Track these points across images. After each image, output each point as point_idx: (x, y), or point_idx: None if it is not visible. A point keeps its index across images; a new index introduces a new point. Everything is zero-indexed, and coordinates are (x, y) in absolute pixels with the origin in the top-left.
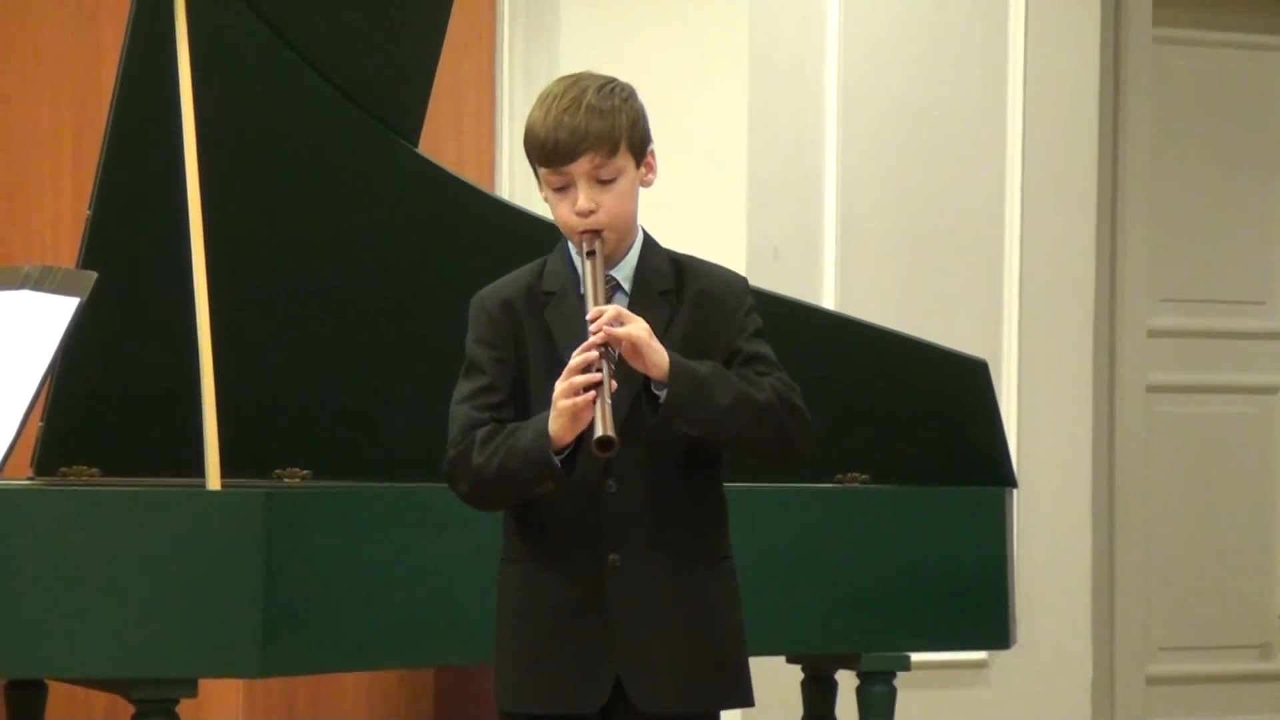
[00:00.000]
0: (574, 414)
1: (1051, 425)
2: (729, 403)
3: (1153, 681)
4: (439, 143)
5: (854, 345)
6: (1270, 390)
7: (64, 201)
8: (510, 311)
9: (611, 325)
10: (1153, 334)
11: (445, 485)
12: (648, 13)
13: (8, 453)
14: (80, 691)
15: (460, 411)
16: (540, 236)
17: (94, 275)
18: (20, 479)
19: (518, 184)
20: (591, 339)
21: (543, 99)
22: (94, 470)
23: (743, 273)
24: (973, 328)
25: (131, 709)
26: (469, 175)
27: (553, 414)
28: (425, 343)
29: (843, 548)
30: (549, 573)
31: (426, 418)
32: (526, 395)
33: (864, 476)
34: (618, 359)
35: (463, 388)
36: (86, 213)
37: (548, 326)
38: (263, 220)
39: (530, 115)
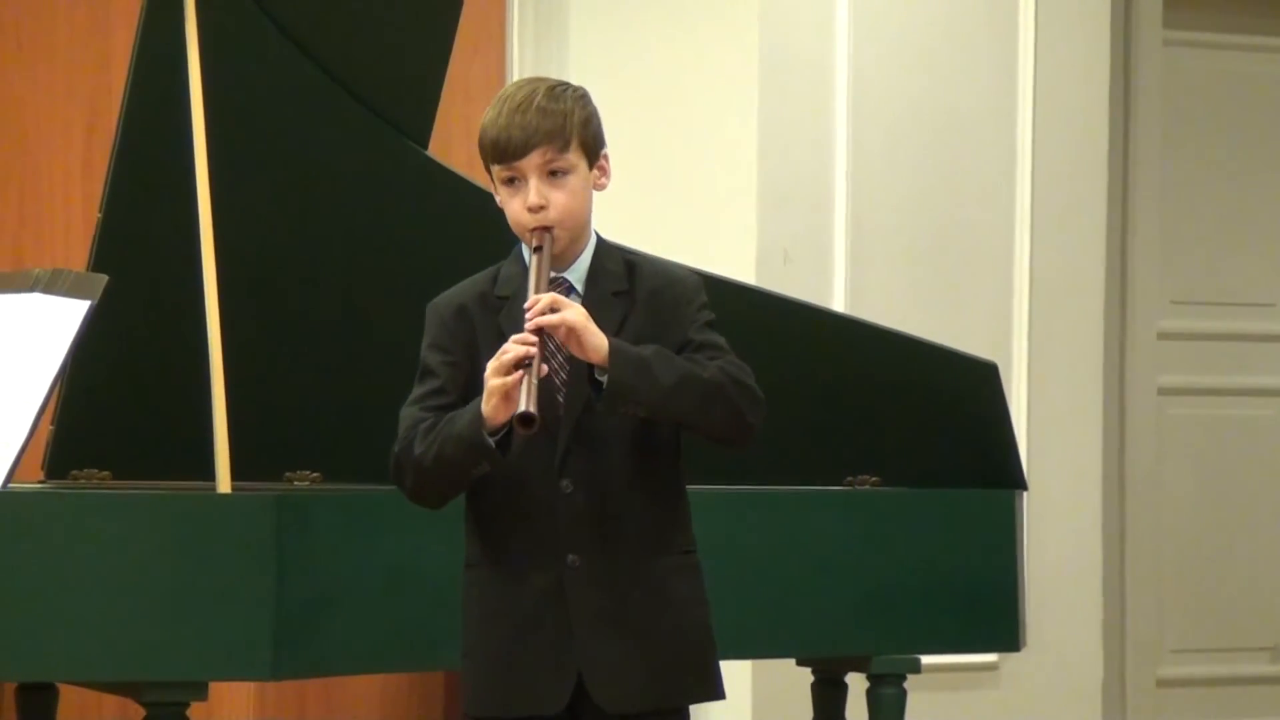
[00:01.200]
0: (504, 393)
1: (1062, 428)
2: (673, 381)
3: (1163, 684)
4: (449, 145)
5: (864, 348)
6: None
7: (75, 204)
8: (464, 317)
9: (546, 306)
10: (1163, 336)
11: None
12: (658, 15)
13: (19, 456)
14: (91, 694)
15: (408, 413)
16: None
17: (104, 278)
18: (31, 482)
19: None
20: (527, 326)
21: (496, 100)
22: (105, 473)
23: (753, 276)
24: (983, 330)
25: (142, 712)
26: (479, 178)
27: (484, 394)
28: None
29: (853, 550)
30: (509, 576)
31: None
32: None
33: (874, 479)
34: (561, 350)
35: (414, 392)
36: (97, 216)
37: (501, 330)
38: (272, 223)
39: (484, 116)
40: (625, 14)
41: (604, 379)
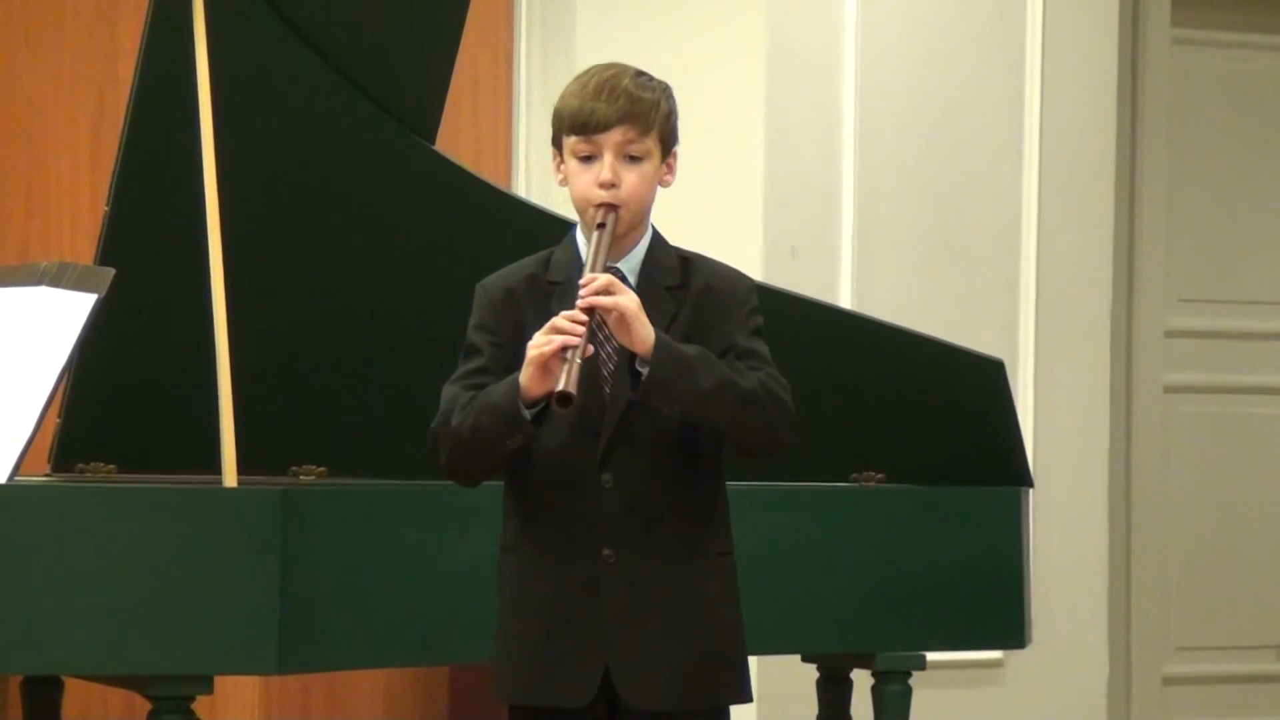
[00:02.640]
0: (542, 364)
1: (1068, 425)
2: (711, 386)
3: (1169, 682)
4: (456, 140)
5: (870, 344)
6: None
7: (82, 198)
8: (512, 299)
9: (601, 288)
10: (1170, 334)
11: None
12: (665, 11)
13: (25, 449)
14: (96, 688)
15: (449, 391)
16: (557, 234)
17: (111, 272)
18: (38, 475)
19: (535, 182)
20: (580, 304)
21: (579, 77)
22: (111, 467)
23: (760, 272)
24: (989, 327)
25: (148, 706)
26: (486, 173)
27: (524, 364)
28: (441, 340)
29: (858, 547)
30: (544, 565)
31: None
32: None
33: (880, 475)
34: (611, 339)
35: (457, 370)
36: (104, 209)
37: (551, 316)
38: (279, 217)
39: (564, 91)
40: (632, 8)
41: (644, 370)
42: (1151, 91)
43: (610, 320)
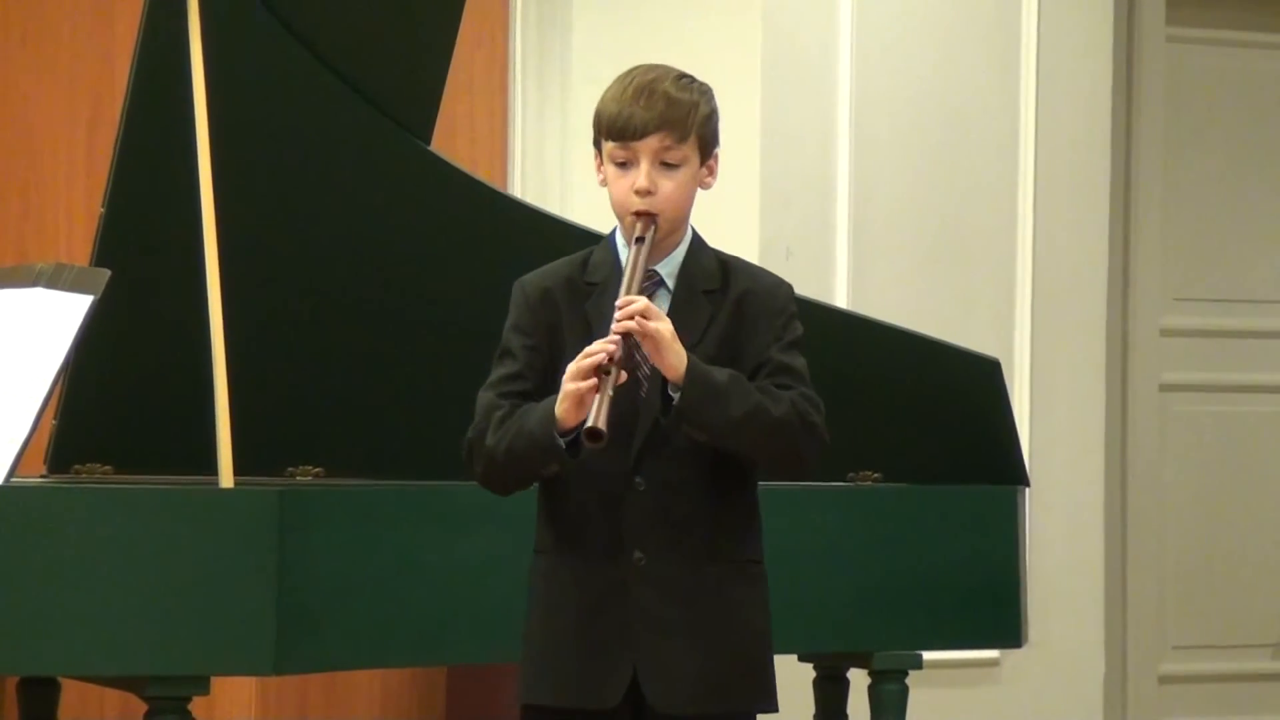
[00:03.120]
0: (577, 398)
1: (1064, 424)
2: (742, 415)
3: (1165, 680)
4: (452, 141)
5: (866, 344)
6: None
7: (77, 198)
8: (549, 300)
9: (636, 312)
10: (1166, 333)
11: (458, 483)
12: (661, 8)
13: (21, 450)
14: (93, 689)
15: (484, 397)
16: (553, 235)
17: (107, 273)
18: (34, 476)
19: (530, 182)
20: (613, 330)
21: (620, 78)
22: (107, 468)
23: None
24: (985, 326)
25: (144, 706)
26: (481, 174)
27: (559, 395)
28: (437, 340)
29: (855, 546)
30: (574, 567)
31: (439, 415)
32: (559, 385)
33: (876, 475)
34: (636, 354)
35: (493, 374)
36: (100, 210)
37: (587, 318)
38: (275, 217)
39: (604, 93)
40: (628, 8)
41: (676, 395)
42: (1147, 90)
43: (645, 345)
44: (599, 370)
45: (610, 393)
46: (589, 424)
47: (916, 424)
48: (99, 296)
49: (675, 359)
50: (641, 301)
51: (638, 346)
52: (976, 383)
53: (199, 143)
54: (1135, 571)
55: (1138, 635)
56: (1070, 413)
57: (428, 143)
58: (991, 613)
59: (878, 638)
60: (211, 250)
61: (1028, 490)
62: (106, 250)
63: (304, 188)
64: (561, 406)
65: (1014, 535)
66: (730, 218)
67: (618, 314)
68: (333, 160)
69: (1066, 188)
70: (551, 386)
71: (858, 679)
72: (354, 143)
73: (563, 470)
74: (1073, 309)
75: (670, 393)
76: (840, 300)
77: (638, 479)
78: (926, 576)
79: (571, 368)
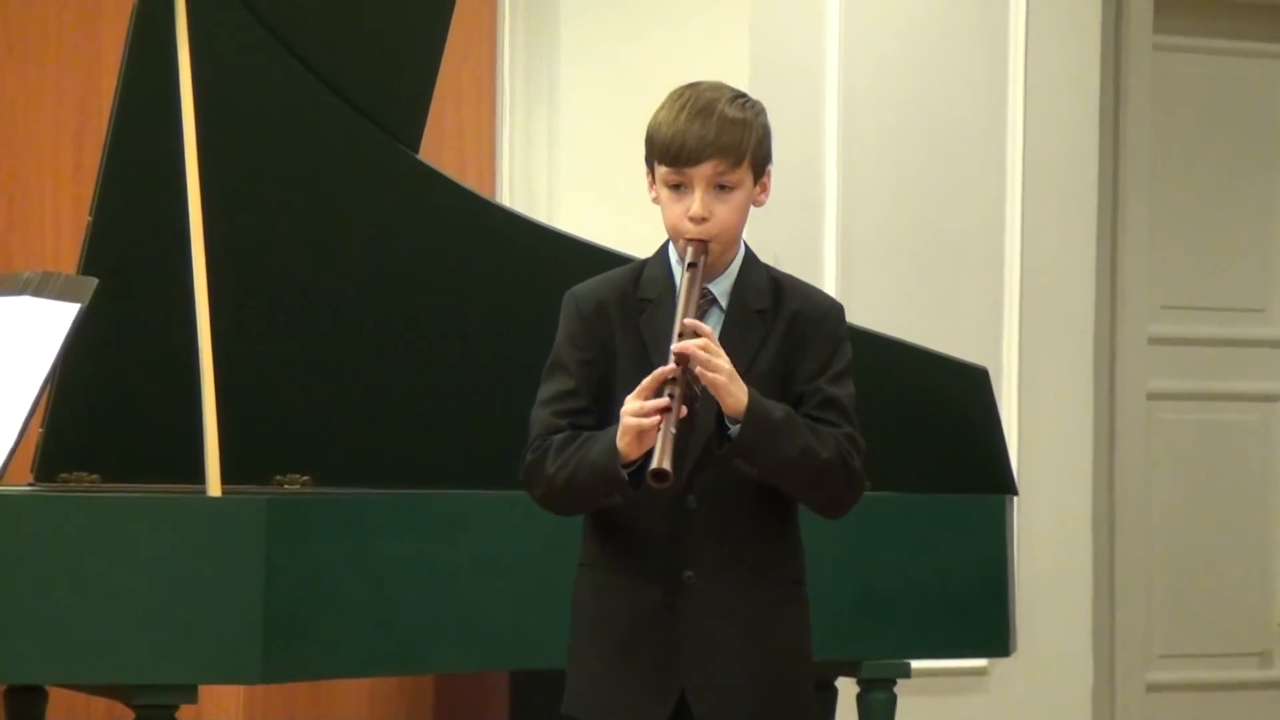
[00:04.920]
0: (639, 433)
1: (1052, 432)
2: (794, 455)
3: (1153, 689)
4: (439, 149)
5: (854, 353)
6: (1270, 398)
7: (64, 207)
8: (603, 314)
9: (698, 351)
10: (1153, 341)
11: (447, 491)
12: (648, 20)
13: (8, 459)
14: (80, 697)
15: (540, 416)
16: (540, 243)
17: (94, 281)
18: (20, 485)
19: (518, 190)
20: (673, 352)
21: (674, 98)
22: (94, 476)
23: None
24: (973, 335)
25: (131, 715)
26: (469, 181)
27: (620, 430)
28: (426, 348)
29: (843, 555)
30: (623, 583)
31: (427, 423)
32: (611, 400)
33: (864, 484)
34: (690, 378)
35: (545, 389)
36: (87, 219)
37: (640, 335)
38: (263, 226)
39: (657, 113)
40: (617, 20)
41: (733, 429)
42: (1134, 99)
43: (704, 381)
44: (659, 409)
45: (674, 430)
46: (655, 465)
47: (904, 433)
48: (86, 305)
49: (735, 398)
50: (701, 340)
51: (695, 378)
52: (964, 391)
53: (186, 151)
54: (1123, 580)
55: (1125, 643)
56: (1058, 421)
57: (416, 151)
58: (979, 621)
59: (866, 646)
60: (199, 259)
61: (1015, 499)
62: (94, 259)
63: (292, 196)
64: (623, 441)
65: (1002, 544)
66: None
67: (674, 345)
68: (321, 168)
69: (1054, 196)
70: (604, 401)
71: (846, 687)
72: (342, 151)
73: (625, 500)
74: (1060, 317)
75: (728, 424)
76: None
77: (690, 497)
78: (914, 585)
79: (632, 402)
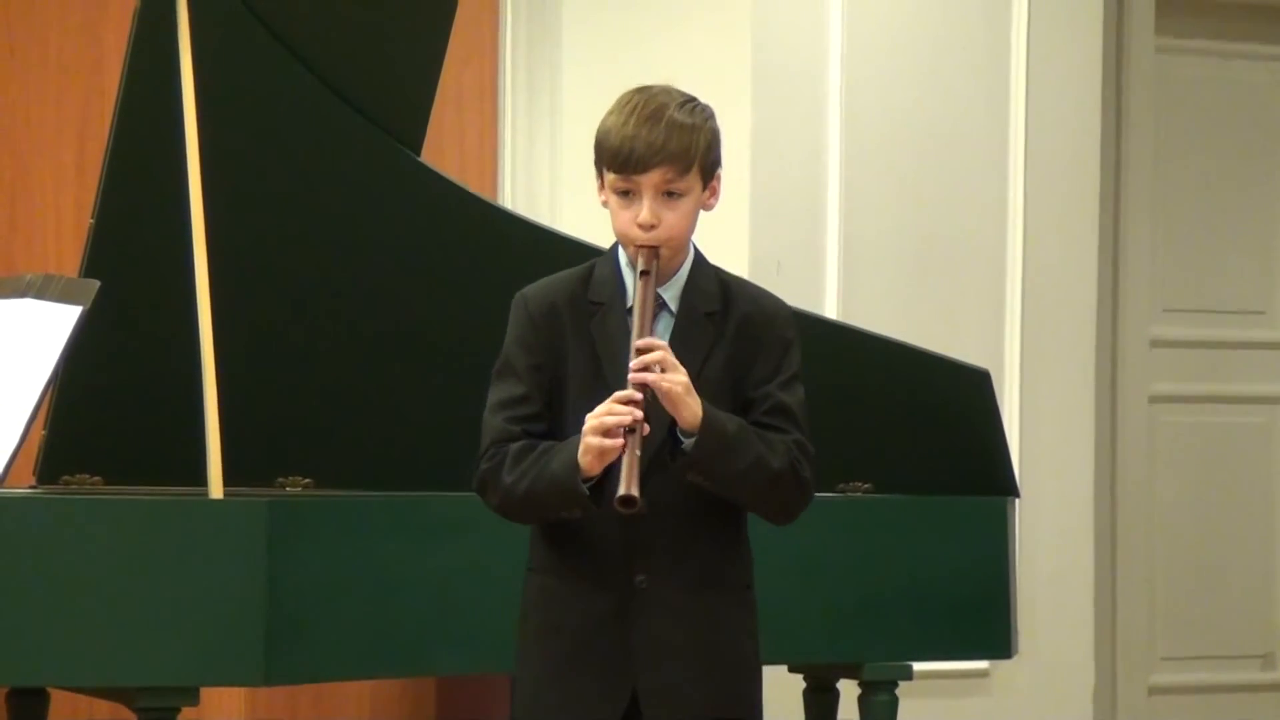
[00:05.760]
0: (601, 452)
1: (1054, 435)
2: (745, 467)
3: (1155, 691)
4: (441, 152)
5: (856, 355)
6: (1273, 400)
7: (67, 209)
8: (554, 316)
9: (654, 369)
10: (1155, 344)
11: (448, 494)
12: (650, 26)
13: (10, 461)
14: (82, 699)
15: (493, 423)
16: (544, 246)
17: (96, 284)
18: (22, 487)
19: (519, 194)
20: (631, 381)
21: (621, 104)
22: (96, 479)
23: None
24: (975, 338)
25: (133, 717)
26: (471, 185)
27: (581, 447)
28: (428, 351)
29: (845, 557)
30: (574, 588)
31: (429, 426)
32: (563, 404)
33: (866, 486)
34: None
35: (496, 393)
36: (89, 221)
37: (592, 339)
38: (265, 229)
39: (606, 119)
40: (618, 24)
41: (686, 442)
42: (1136, 101)
43: (659, 394)
44: (622, 427)
45: (638, 453)
46: (623, 492)
47: (907, 435)
48: (88, 307)
49: (691, 412)
50: (659, 350)
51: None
52: (966, 394)
53: (189, 154)
54: (1125, 582)
55: (1127, 646)
56: (1060, 424)
57: (418, 154)
58: (981, 623)
59: (868, 648)
60: (201, 261)
61: (1017, 501)
62: (96, 261)
63: (294, 198)
64: (585, 459)
65: (1004, 546)
66: (721, 231)
67: (632, 363)
68: (323, 171)
69: (1056, 199)
70: (556, 405)
71: (848, 690)
72: (344, 153)
73: (585, 515)
74: (1062, 320)
75: (680, 437)
76: (830, 312)
77: (640, 502)
78: (916, 587)
79: (594, 421)
